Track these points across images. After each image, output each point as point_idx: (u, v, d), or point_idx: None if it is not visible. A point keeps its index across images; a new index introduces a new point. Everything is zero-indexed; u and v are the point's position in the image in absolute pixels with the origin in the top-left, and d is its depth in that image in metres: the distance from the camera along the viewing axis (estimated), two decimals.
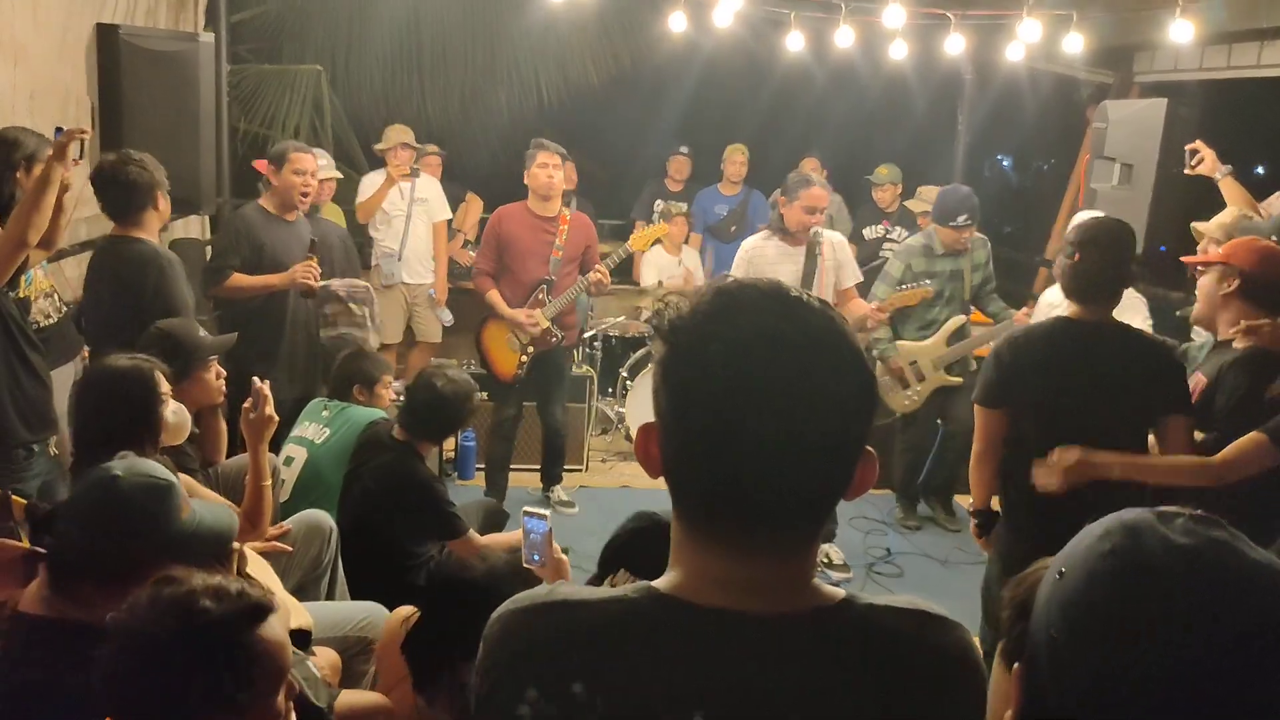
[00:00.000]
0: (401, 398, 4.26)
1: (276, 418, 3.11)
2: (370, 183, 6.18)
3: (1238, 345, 2.94)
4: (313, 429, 3.99)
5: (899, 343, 5.16)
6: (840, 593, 1.02)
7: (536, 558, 2.58)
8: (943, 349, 5.11)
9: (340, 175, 5.85)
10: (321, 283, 4.46)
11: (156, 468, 1.99)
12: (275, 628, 1.65)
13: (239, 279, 4.28)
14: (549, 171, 4.90)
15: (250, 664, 1.57)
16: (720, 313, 0.98)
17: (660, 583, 1.02)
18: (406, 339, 6.40)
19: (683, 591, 1.00)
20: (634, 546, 2.23)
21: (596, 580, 2.27)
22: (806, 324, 0.97)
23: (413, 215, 6.16)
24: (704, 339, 0.97)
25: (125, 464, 1.97)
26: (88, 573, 1.83)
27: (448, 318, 6.40)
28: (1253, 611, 0.82)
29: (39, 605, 1.84)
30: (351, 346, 4.60)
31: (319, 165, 4.80)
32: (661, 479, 1.03)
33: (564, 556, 2.61)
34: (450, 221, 6.59)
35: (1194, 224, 3.69)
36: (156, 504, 1.88)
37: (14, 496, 2.50)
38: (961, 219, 4.95)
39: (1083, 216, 4.29)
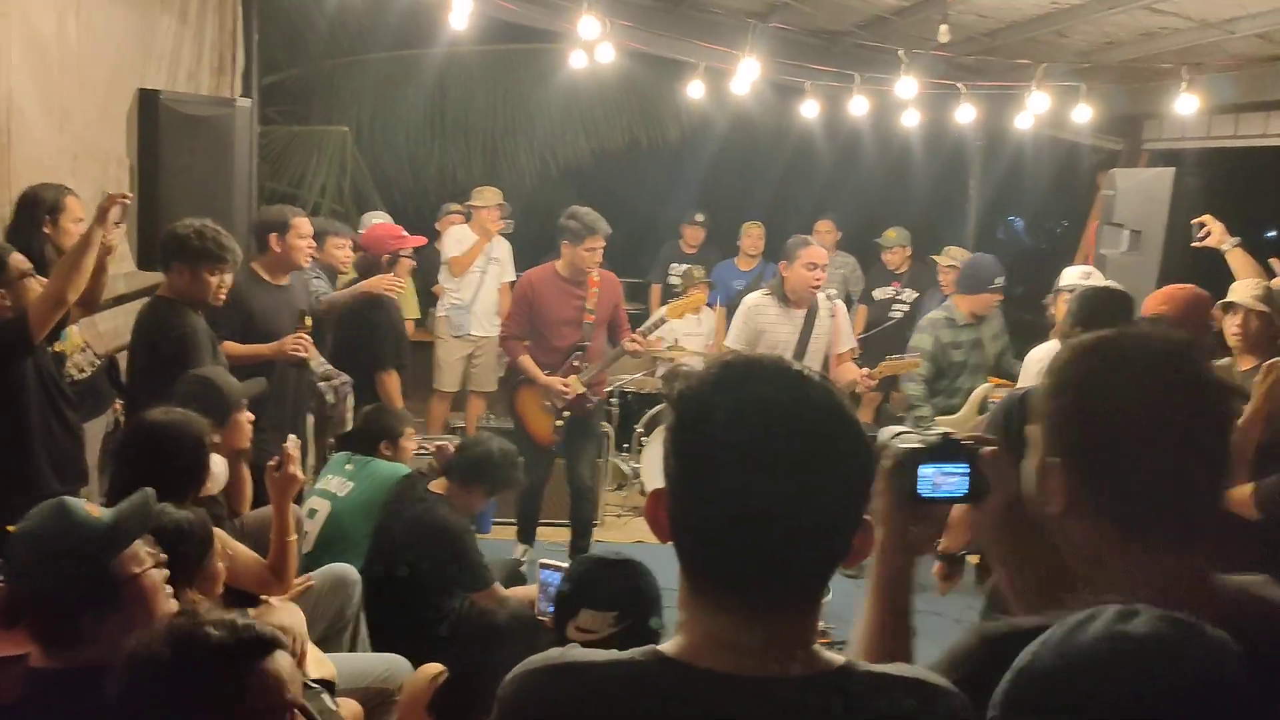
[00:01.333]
0: (426, 450, 4.36)
1: (302, 476, 3.20)
2: (458, 236, 6.41)
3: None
4: (336, 482, 4.07)
5: (937, 418, 5.22)
6: (840, 659, 1.06)
7: (551, 609, 2.65)
8: (975, 418, 5.16)
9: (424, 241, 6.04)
10: (322, 364, 4.47)
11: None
12: (280, 662, 1.64)
13: (229, 348, 4.18)
14: (595, 255, 4.90)
15: (245, 693, 1.57)
16: (725, 383, 1.04)
17: (667, 646, 1.06)
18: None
19: (689, 655, 1.04)
20: (588, 587, 2.37)
21: (558, 623, 2.40)
22: (809, 397, 1.03)
23: (488, 272, 6.44)
24: (709, 409, 1.03)
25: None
26: (52, 616, 1.80)
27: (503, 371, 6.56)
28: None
29: (42, 658, 1.84)
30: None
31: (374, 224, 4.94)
32: (656, 537, 1.09)
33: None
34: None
35: (1223, 301, 3.72)
36: (57, 523, 1.84)
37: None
38: (999, 281, 5.04)
39: (1073, 274, 4.39)
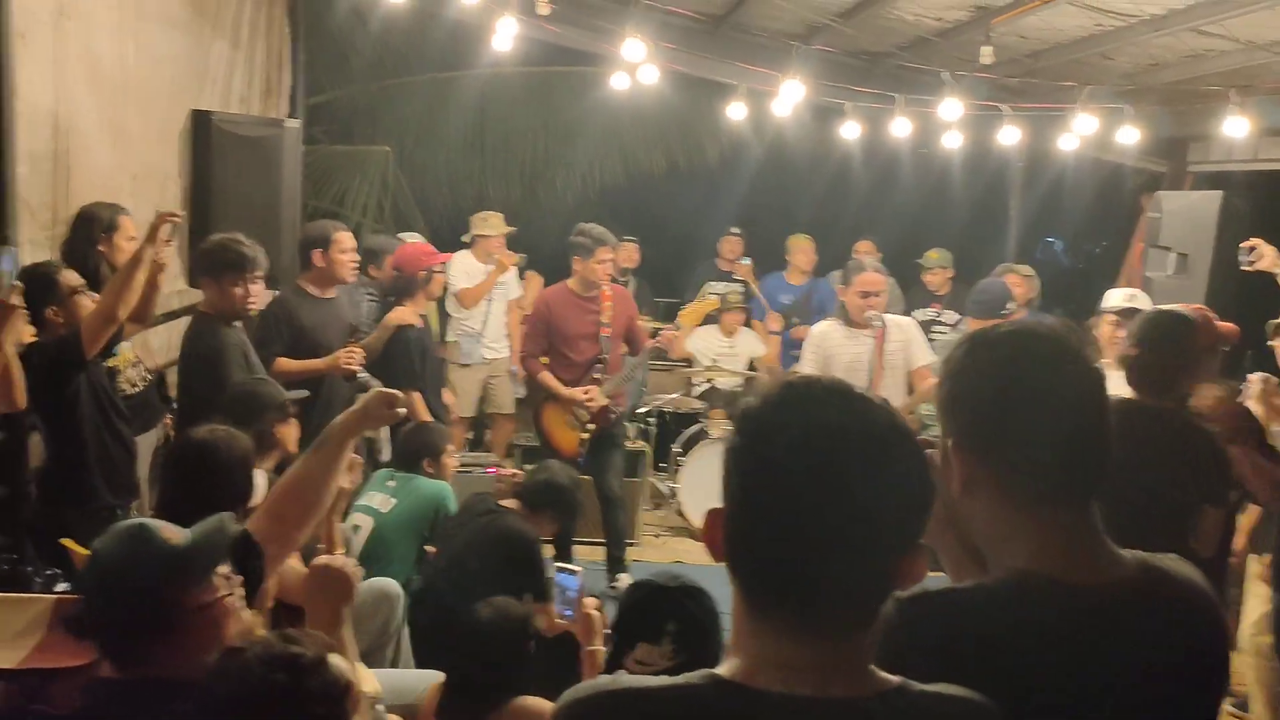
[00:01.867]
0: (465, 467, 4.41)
1: (350, 488, 3.23)
2: (464, 266, 6.37)
3: None
4: (379, 498, 4.10)
5: None
6: (895, 679, 1.06)
7: (568, 612, 2.65)
8: None
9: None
10: (361, 372, 4.52)
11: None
12: (343, 661, 1.73)
13: (283, 364, 4.31)
14: (606, 267, 5.09)
15: (348, 690, 1.66)
16: (788, 404, 1.06)
17: (723, 669, 1.06)
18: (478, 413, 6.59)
19: (745, 677, 1.04)
20: (643, 617, 2.31)
21: (616, 651, 2.36)
22: (870, 420, 1.04)
23: (494, 296, 6.47)
24: (772, 429, 1.04)
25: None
26: (119, 638, 1.80)
27: (521, 391, 6.57)
28: None
29: (113, 670, 1.84)
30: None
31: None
32: (713, 557, 1.09)
33: (595, 613, 2.66)
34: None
35: (1272, 321, 3.68)
36: (133, 549, 1.82)
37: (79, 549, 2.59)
38: (1011, 306, 5.01)
39: (1117, 297, 4.34)
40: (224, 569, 1.91)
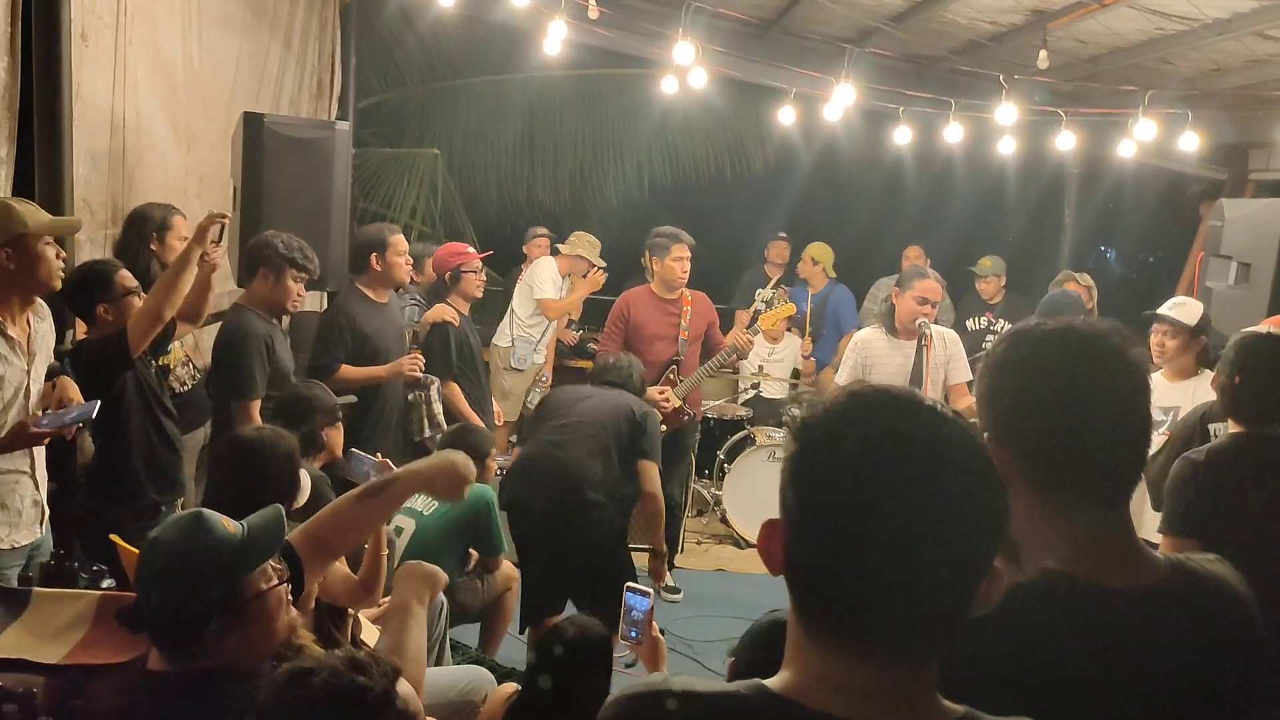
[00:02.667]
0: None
1: None
2: (549, 273, 6.39)
3: None
4: (421, 501, 4.07)
5: None
6: (960, 709, 1.00)
7: (635, 634, 2.60)
8: None
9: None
10: (426, 375, 4.54)
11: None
12: (408, 688, 1.72)
13: (347, 372, 4.33)
14: (684, 265, 5.10)
15: None
16: (853, 413, 0.99)
17: (774, 682, 1.01)
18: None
19: (796, 693, 0.99)
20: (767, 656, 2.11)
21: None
22: (941, 432, 0.97)
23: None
24: (836, 438, 0.97)
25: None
26: (175, 627, 1.82)
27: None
28: None
29: (163, 662, 1.87)
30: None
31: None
32: (768, 570, 1.04)
33: (660, 636, 2.62)
34: None
35: None
36: (192, 537, 1.84)
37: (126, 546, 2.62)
38: (1084, 318, 4.92)
39: (1165, 307, 4.22)
40: (276, 560, 1.94)
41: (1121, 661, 1.23)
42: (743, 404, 6.79)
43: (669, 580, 5.40)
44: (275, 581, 1.90)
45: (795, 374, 6.98)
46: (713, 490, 6.49)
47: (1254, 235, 5.05)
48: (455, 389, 4.89)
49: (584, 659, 2.62)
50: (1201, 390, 3.95)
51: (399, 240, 4.58)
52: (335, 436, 3.52)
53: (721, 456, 6.44)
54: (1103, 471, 1.31)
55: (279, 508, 2.02)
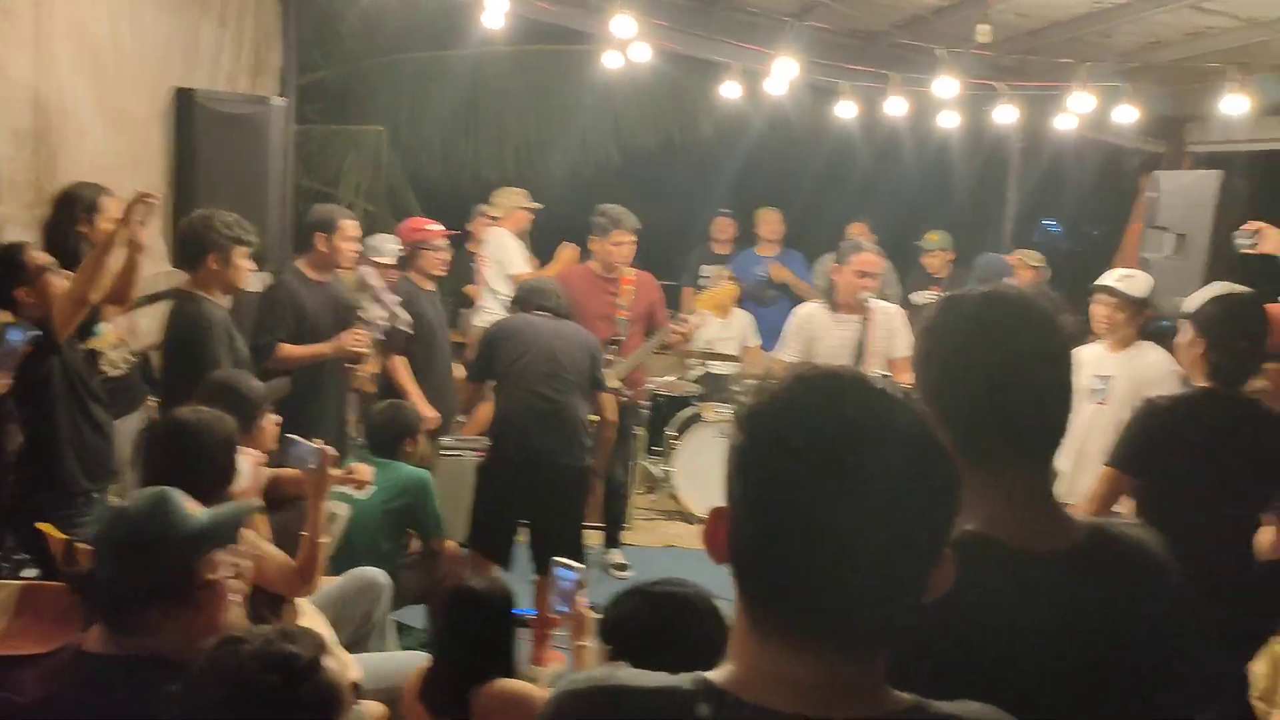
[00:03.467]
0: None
1: (338, 471, 3.20)
2: (506, 245, 6.22)
3: None
4: None
5: None
6: (909, 698, 0.98)
7: (563, 607, 2.63)
8: None
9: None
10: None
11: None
12: (337, 663, 1.74)
13: (286, 350, 4.28)
14: (623, 250, 5.03)
15: (340, 700, 1.68)
16: (800, 402, 0.97)
17: (718, 675, 0.98)
18: None
19: (740, 687, 0.96)
20: (629, 639, 2.13)
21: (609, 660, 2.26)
22: (890, 418, 0.96)
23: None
24: (785, 429, 0.95)
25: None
26: (126, 600, 1.84)
27: None
28: None
29: (101, 644, 1.87)
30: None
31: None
32: (714, 559, 1.01)
33: (588, 612, 2.64)
34: None
35: (1270, 305, 3.64)
36: (158, 513, 1.88)
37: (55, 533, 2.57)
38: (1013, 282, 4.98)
39: (1111, 278, 4.29)
40: (231, 552, 1.97)
41: (1040, 624, 1.23)
42: (693, 379, 6.80)
43: (618, 557, 5.42)
44: (227, 572, 1.92)
45: (742, 352, 7.00)
46: (662, 467, 6.50)
47: (1189, 206, 5.15)
48: (398, 362, 4.84)
49: (488, 619, 2.62)
50: (1140, 360, 4.03)
51: (350, 225, 4.53)
52: (267, 427, 3.43)
53: (671, 433, 6.44)
54: (1026, 434, 1.33)
55: (246, 504, 2.10)
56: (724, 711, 0.95)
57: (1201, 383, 3.00)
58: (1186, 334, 3.04)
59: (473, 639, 2.61)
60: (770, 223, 7.41)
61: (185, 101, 4.37)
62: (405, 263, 5.16)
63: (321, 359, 4.37)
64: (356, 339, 4.38)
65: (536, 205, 6.39)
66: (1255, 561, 2.86)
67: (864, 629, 0.96)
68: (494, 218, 6.51)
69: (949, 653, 1.15)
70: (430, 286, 5.08)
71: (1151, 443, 2.88)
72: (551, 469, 4.28)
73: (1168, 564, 1.37)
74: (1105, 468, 2.96)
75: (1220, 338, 2.90)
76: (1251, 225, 4.21)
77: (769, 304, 7.25)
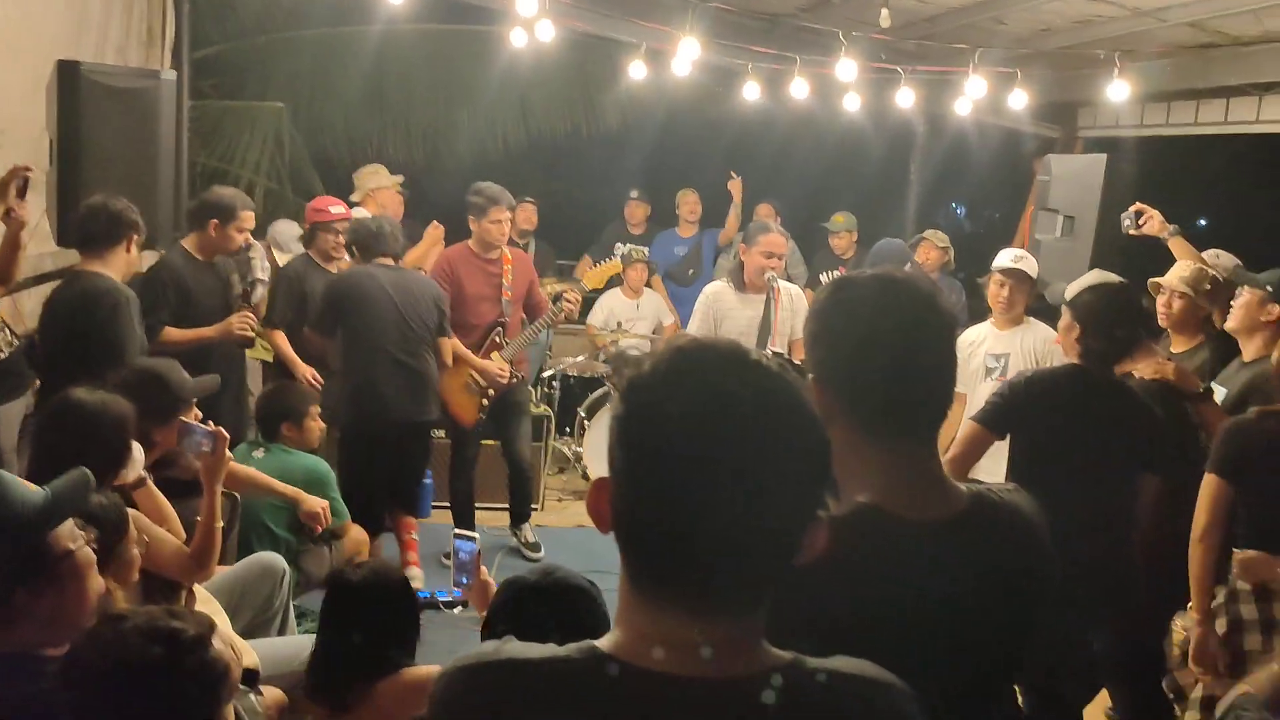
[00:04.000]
0: None
1: (231, 457, 3.12)
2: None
3: None
4: (252, 470, 3.90)
5: None
6: (787, 655, 1.03)
7: (465, 579, 2.61)
8: None
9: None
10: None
11: None
12: (225, 644, 1.74)
13: (170, 333, 4.17)
14: (501, 228, 4.97)
15: (225, 677, 1.67)
16: (678, 374, 0.99)
17: (605, 642, 1.02)
18: None
19: (626, 652, 1.00)
20: (517, 627, 2.08)
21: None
22: (764, 388, 0.99)
23: None
24: (662, 400, 0.98)
25: None
26: None
27: None
28: None
29: None
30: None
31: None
32: (598, 528, 1.04)
33: (490, 580, 2.61)
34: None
35: (1151, 279, 3.83)
36: None
37: None
38: (907, 269, 5.10)
39: (1005, 257, 4.43)
40: (77, 523, 1.93)
41: (927, 588, 1.30)
42: (602, 359, 6.81)
43: (530, 536, 5.41)
44: (81, 542, 1.90)
45: (658, 334, 7.04)
46: (574, 447, 6.51)
47: (1078, 189, 5.34)
48: (278, 335, 4.75)
49: (381, 602, 2.57)
50: (1031, 337, 4.18)
51: (248, 217, 4.42)
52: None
53: (582, 413, 6.46)
54: (912, 410, 1.41)
55: (84, 470, 1.98)
56: (617, 678, 0.98)
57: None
58: (1065, 319, 3.16)
59: (358, 631, 2.51)
60: (689, 203, 7.53)
61: (69, 74, 4.17)
62: (305, 242, 5.09)
63: (207, 342, 4.24)
64: (244, 322, 4.28)
65: (396, 181, 6.27)
66: (1126, 533, 3.01)
67: (737, 589, 1.00)
68: (353, 203, 6.41)
69: (840, 618, 1.22)
70: (330, 267, 4.96)
71: (1014, 406, 3.02)
72: (409, 427, 4.57)
73: (1041, 527, 1.46)
74: (969, 422, 3.09)
75: (1095, 325, 3.04)
76: (1136, 208, 4.39)
77: (688, 283, 7.33)
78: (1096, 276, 3.29)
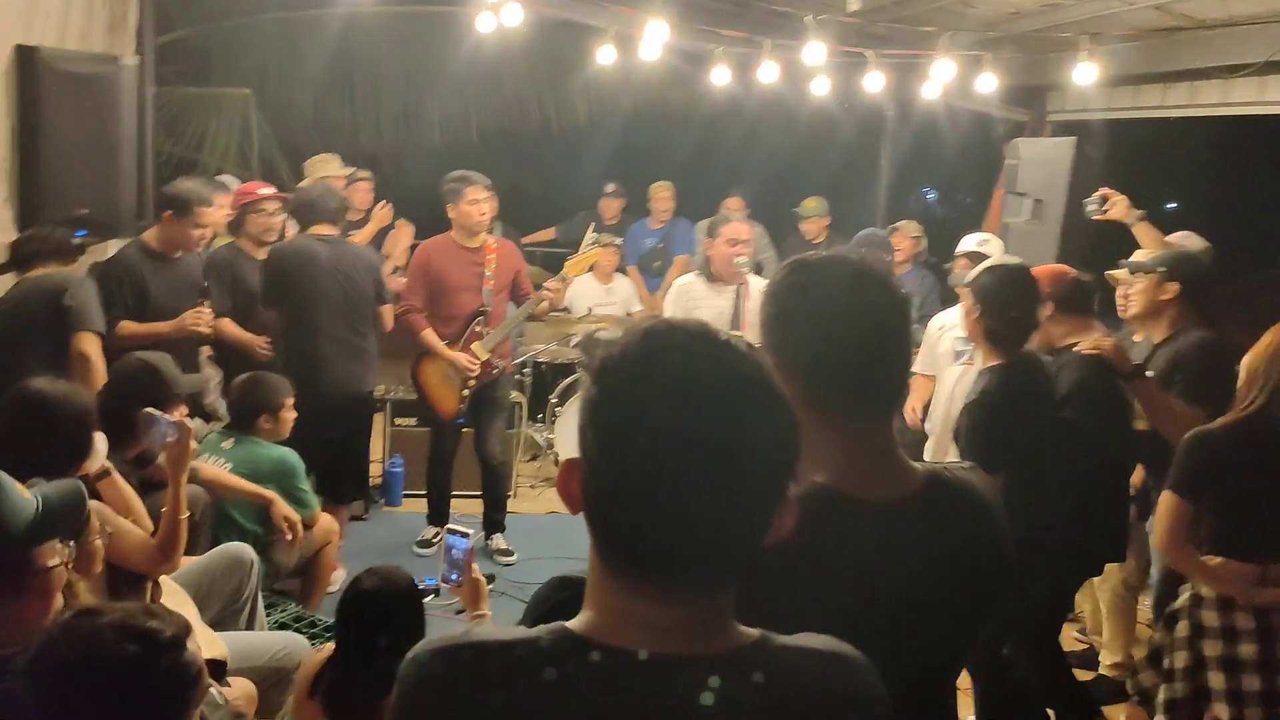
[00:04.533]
0: None
1: (197, 446, 3.09)
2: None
3: None
4: (210, 462, 3.86)
5: None
6: (755, 633, 1.04)
7: (455, 576, 2.57)
8: None
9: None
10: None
11: None
12: (198, 645, 1.73)
13: (126, 328, 4.10)
14: (480, 207, 4.86)
15: (198, 681, 1.66)
16: (649, 356, 1.00)
17: (575, 623, 1.02)
18: None
19: (597, 632, 1.00)
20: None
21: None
22: (734, 370, 0.99)
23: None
24: (632, 381, 0.99)
25: None
26: None
27: None
28: None
29: None
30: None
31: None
32: (568, 510, 1.04)
33: (481, 578, 2.60)
34: None
35: (1108, 273, 3.85)
36: None
37: None
38: (890, 257, 5.11)
39: (970, 242, 4.45)
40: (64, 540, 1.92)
41: (885, 567, 1.32)
42: (574, 345, 6.79)
43: (501, 543, 5.26)
44: (61, 560, 1.88)
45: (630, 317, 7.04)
46: (545, 434, 6.50)
47: (1046, 172, 5.37)
48: (226, 322, 4.58)
49: (391, 610, 2.56)
50: None
51: (205, 213, 4.32)
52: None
53: (554, 400, 6.45)
54: (869, 392, 1.41)
55: (78, 484, 1.98)
56: (588, 659, 0.98)
57: (982, 347, 3.18)
58: (966, 302, 3.18)
59: (379, 643, 2.47)
60: (662, 198, 7.55)
61: (27, 59, 4.10)
62: (234, 227, 4.87)
63: (162, 338, 4.13)
64: (199, 317, 4.21)
65: (345, 173, 6.23)
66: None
67: (707, 568, 1.00)
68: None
69: (801, 597, 1.23)
70: (260, 254, 4.76)
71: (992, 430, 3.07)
72: (352, 400, 4.70)
73: (993, 503, 1.48)
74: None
75: (993, 306, 3.08)
76: (1101, 193, 4.41)
77: (656, 274, 7.35)
78: (998, 259, 3.33)
